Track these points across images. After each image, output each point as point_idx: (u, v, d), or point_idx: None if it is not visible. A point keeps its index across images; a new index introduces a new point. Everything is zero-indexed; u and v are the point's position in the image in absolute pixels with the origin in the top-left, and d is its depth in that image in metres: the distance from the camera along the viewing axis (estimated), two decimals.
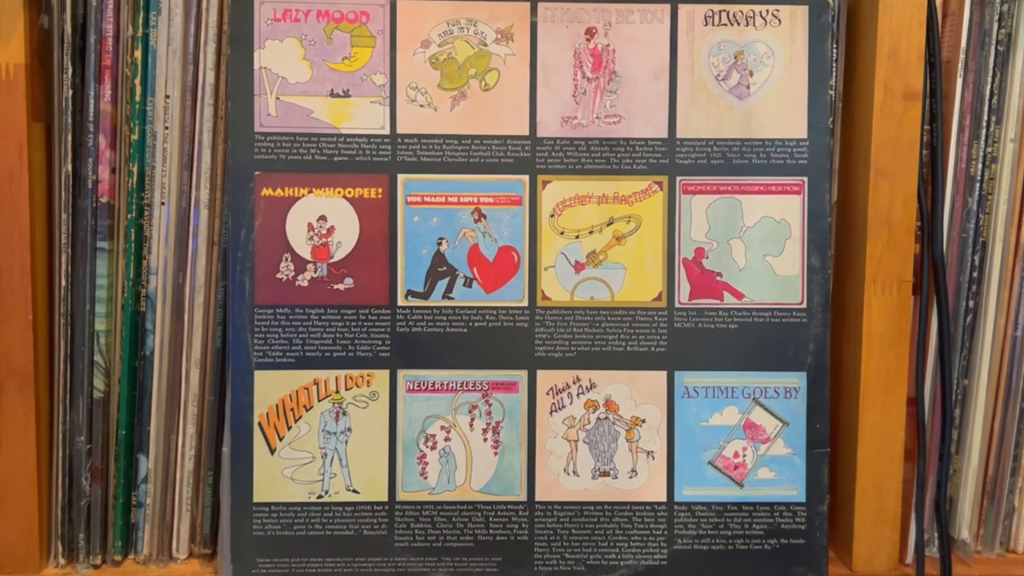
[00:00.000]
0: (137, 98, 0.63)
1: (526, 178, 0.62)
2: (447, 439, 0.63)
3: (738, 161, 0.62)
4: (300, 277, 0.62)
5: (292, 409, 0.62)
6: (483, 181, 0.62)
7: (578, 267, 0.63)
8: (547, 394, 0.63)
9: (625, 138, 0.62)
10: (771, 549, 0.62)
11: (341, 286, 0.62)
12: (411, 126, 0.61)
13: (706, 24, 0.61)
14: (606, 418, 0.63)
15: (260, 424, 0.62)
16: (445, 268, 0.62)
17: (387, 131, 0.61)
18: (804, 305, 0.62)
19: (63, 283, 0.62)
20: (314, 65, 0.62)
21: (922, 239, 0.63)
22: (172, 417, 0.65)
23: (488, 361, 0.62)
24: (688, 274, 0.63)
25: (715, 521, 0.63)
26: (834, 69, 0.63)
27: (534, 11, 0.60)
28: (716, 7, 0.61)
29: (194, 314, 0.64)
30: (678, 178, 0.63)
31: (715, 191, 0.63)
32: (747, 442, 0.63)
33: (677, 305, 0.63)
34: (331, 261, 0.62)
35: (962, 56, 0.63)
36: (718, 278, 0.63)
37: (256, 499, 0.62)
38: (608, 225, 0.62)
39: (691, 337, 0.62)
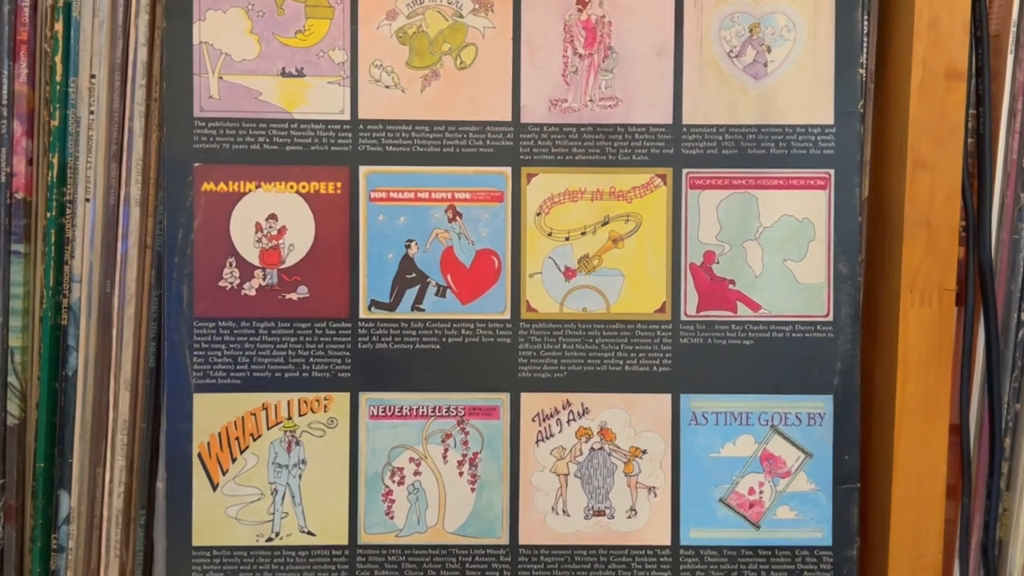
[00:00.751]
0: (58, 78, 0.59)
1: (508, 171, 0.58)
2: (417, 473, 0.60)
3: (754, 151, 0.59)
4: (247, 285, 0.59)
5: (237, 438, 0.59)
6: (458, 174, 0.58)
7: (568, 274, 0.59)
8: (533, 421, 0.59)
9: (623, 124, 0.58)
10: None
11: (294, 296, 0.58)
12: (375, 110, 0.58)
13: None
14: (601, 448, 0.60)
15: (200, 455, 0.58)
16: (414, 275, 0.59)
17: (347, 116, 0.58)
18: (830, 318, 0.59)
19: None
20: (263, 40, 0.58)
21: (967, 241, 0.60)
22: (98, 448, 0.61)
23: (464, 383, 0.59)
24: (696, 282, 0.59)
25: (727, 568, 0.59)
26: (865, 44, 0.59)
27: None
28: None
29: (124, 328, 0.60)
30: (684, 171, 0.59)
31: (727, 186, 0.59)
32: (764, 476, 0.60)
33: (683, 318, 0.59)
34: (282, 267, 0.58)
35: (1013, 29, 0.59)
36: (731, 286, 0.59)
37: (195, 542, 0.58)
38: (603, 225, 0.59)
39: (699, 355, 0.59)
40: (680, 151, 0.59)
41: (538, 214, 0.59)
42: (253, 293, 0.59)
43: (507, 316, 0.59)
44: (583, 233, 0.59)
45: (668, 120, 0.58)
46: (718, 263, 0.59)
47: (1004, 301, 0.61)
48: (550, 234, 0.59)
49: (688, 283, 0.59)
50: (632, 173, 0.59)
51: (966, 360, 0.60)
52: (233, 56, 0.58)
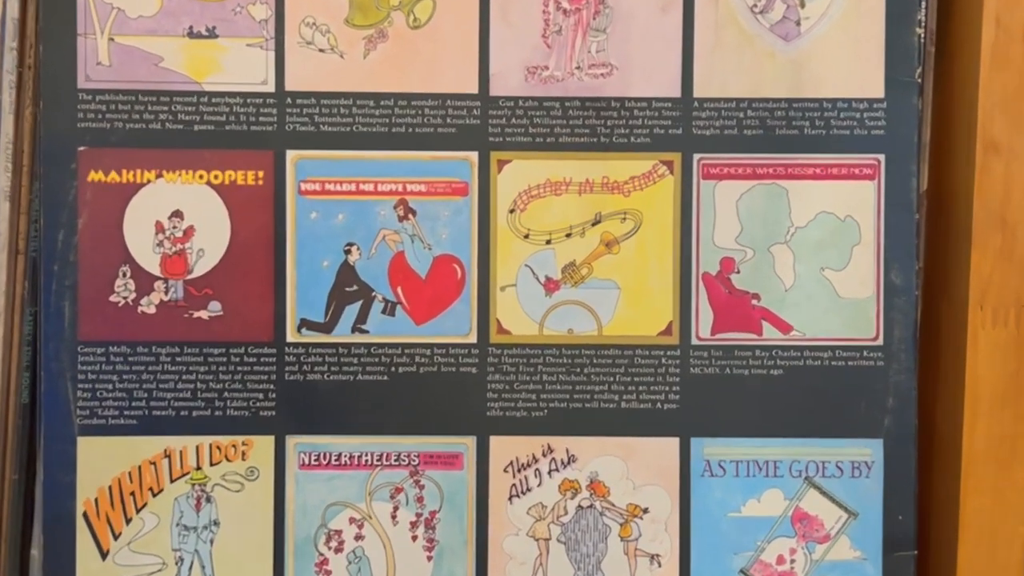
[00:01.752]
0: None
1: (474, 156, 0.56)
2: (359, 537, 0.57)
3: (784, 131, 0.57)
4: (144, 301, 0.56)
5: (133, 493, 0.56)
6: (411, 161, 0.56)
7: (550, 286, 0.57)
8: (505, 471, 0.57)
9: (618, 98, 0.56)
10: None
11: (204, 314, 0.56)
12: (307, 80, 0.56)
13: None
14: (591, 506, 0.57)
15: (86, 515, 0.55)
16: (356, 288, 0.56)
17: (271, 88, 0.55)
18: (880, 342, 0.57)
19: None
20: None
21: None
22: None
23: (419, 423, 0.56)
24: (711, 296, 0.57)
25: None
26: None
27: None
28: None
29: None
30: (696, 156, 0.57)
31: (750, 175, 0.57)
32: (797, 542, 0.57)
33: (695, 342, 0.57)
34: (190, 277, 0.56)
35: None
36: (754, 302, 0.57)
37: None
38: (594, 225, 0.57)
39: (715, 388, 0.57)
40: (690, 132, 0.57)
41: (512, 211, 0.57)
42: (152, 311, 0.56)
43: (472, 340, 0.57)
44: (568, 235, 0.57)
45: (675, 93, 0.56)
46: (739, 273, 0.57)
47: None
48: (527, 236, 0.57)
49: (701, 298, 0.58)
50: (630, 159, 0.57)
51: None
52: (127, 12, 0.55)
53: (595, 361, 0.57)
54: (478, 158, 0.56)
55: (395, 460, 0.55)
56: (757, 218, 0.57)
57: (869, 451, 0.56)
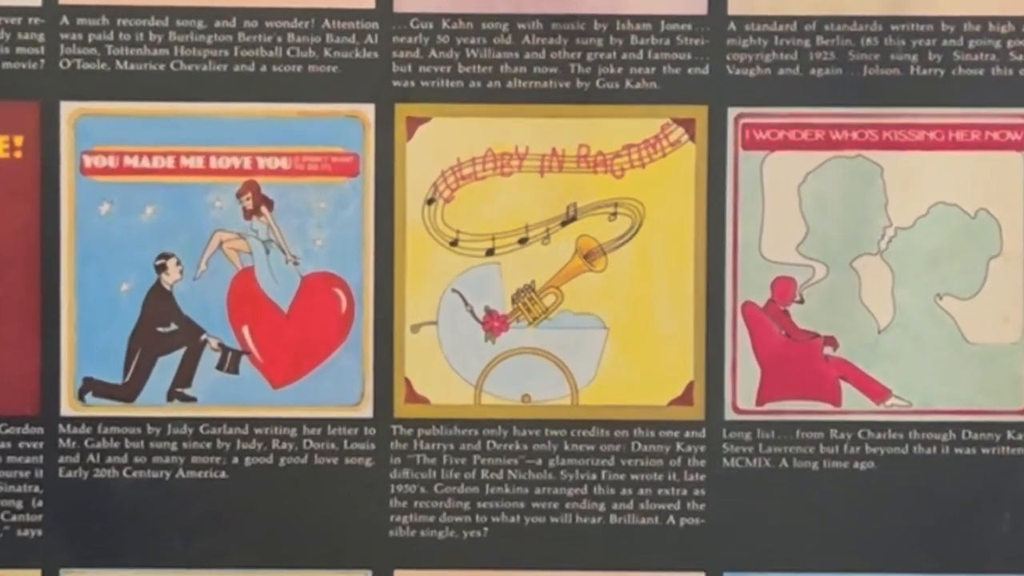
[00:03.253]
0: None
1: (368, 111, 0.45)
2: None
3: (877, 71, 0.46)
4: None
5: None
6: (266, 119, 0.45)
7: (494, 324, 0.46)
8: None
9: (606, 16, 0.46)
10: None
11: None
12: None
13: None
14: None
15: None
16: (175, 327, 0.46)
17: (37, 1, 0.46)
18: None
19: None
20: None
21: None
22: None
23: (281, 550, 0.46)
24: (757, 341, 0.46)
25: None
26: None
27: None
28: None
29: None
30: (732, 111, 0.46)
31: (822, 143, 0.46)
32: None
33: (730, 415, 0.46)
34: None
35: None
36: (828, 351, 0.46)
37: None
38: (565, 224, 0.46)
39: (762, 493, 0.46)
40: (723, 71, 0.46)
41: (431, 201, 0.46)
42: None
43: (366, 413, 0.46)
44: (523, 240, 0.46)
45: (699, 8, 0.46)
46: (802, 303, 0.46)
47: None
48: (455, 242, 0.46)
49: (740, 344, 0.46)
50: (624, 117, 0.46)
51: None
52: None
53: (568, 448, 0.46)
54: (375, 114, 0.45)
55: None
56: (833, 213, 0.46)
57: None
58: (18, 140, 0.44)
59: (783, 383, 0.47)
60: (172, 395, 0.46)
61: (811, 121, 0.46)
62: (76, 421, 0.45)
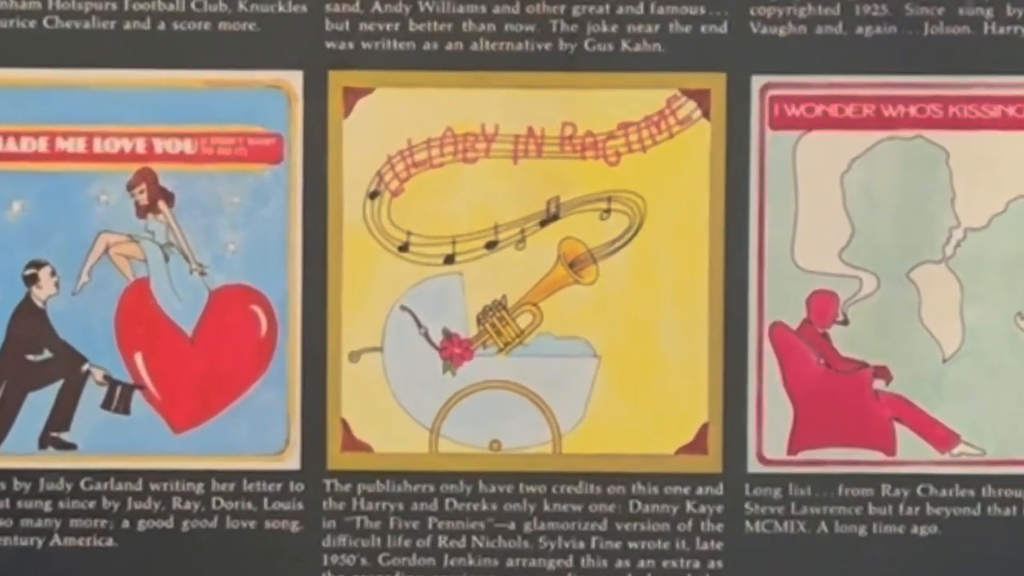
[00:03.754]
0: None
1: (295, 78, 0.40)
2: None
3: (940, 29, 0.40)
4: None
5: None
6: (165, 90, 0.40)
7: (453, 349, 0.41)
8: None
9: None
10: None
11: None
12: None
13: None
14: None
15: None
16: (50, 354, 0.41)
17: None
18: None
19: None
20: None
21: None
22: None
23: None
24: (789, 372, 0.40)
25: None
26: None
27: None
28: None
29: None
30: (756, 80, 0.40)
31: (871, 120, 0.40)
32: None
33: (754, 467, 0.40)
34: None
35: None
36: (879, 384, 0.40)
37: None
38: (543, 225, 0.40)
39: (796, 564, 0.40)
40: (745, 29, 0.40)
41: (375, 194, 0.40)
42: None
43: (293, 464, 0.40)
44: (492, 243, 0.41)
45: None
46: (845, 322, 0.41)
47: None
48: (405, 246, 0.40)
49: (767, 376, 0.41)
50: (621, 89, 0.41)
51: None
52: None
53: (549, 508, 0.40)
54: (303, 83, 0.40)
55: None
56: (885, 210, 0.41)
57: None
58: None
59: (822, 426, 0.41)
60: (46, 441, 0.40)
61: (857, 93, 0.41)
62: None
